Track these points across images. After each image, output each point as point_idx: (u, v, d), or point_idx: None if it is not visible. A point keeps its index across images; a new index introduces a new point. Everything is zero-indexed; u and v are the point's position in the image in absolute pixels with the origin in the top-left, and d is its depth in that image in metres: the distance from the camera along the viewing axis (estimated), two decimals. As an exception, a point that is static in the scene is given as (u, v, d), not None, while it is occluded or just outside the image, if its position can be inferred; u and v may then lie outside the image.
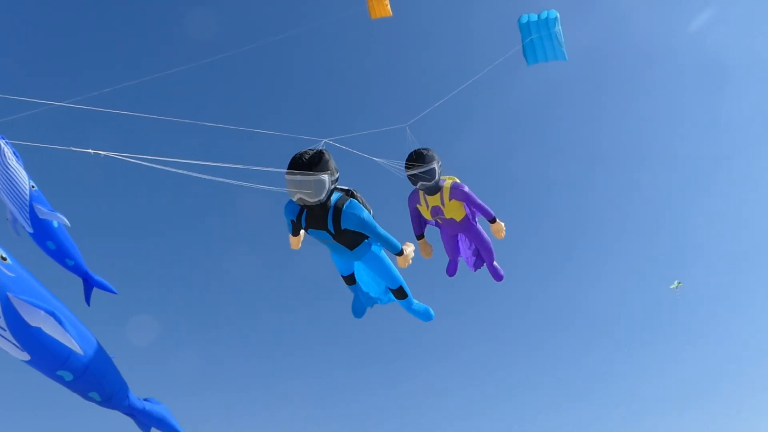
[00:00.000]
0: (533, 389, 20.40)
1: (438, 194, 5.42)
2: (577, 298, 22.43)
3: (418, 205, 5.66)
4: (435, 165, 5.10)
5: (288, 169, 3.58)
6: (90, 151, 2.88)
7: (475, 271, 6.45)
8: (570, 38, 7.24)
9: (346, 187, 4.12)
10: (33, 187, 4.43)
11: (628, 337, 22.21)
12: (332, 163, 3.71)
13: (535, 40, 7.35)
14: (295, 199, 3.68)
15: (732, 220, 22.52)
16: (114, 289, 5.16)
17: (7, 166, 4.20)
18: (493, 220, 5.57)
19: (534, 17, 7.19)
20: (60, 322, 2.94)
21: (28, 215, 4.40)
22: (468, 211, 5.64)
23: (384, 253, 4.43)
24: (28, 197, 4.38)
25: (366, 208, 4.17)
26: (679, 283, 15.44)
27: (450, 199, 5.42)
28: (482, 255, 6.11)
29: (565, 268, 22.89)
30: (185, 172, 3.14)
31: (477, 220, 5.87)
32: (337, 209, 3.84)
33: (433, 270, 6.41)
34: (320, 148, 3.78)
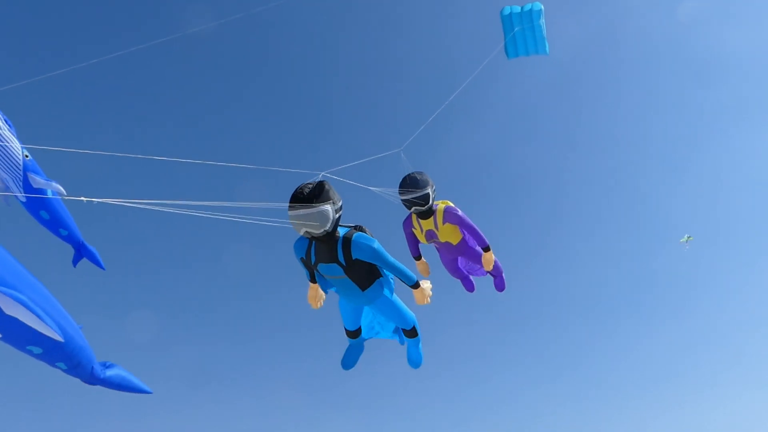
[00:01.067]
0: (513, 379, 20.59)
1: (431, 218, 5.39)
2: (554, 284, 22.71)
3: (413, 229, 5.64)
4: (429, 190, 5.08)
5: (290, 204, 3.58)
6: (83, 199, 2.81)
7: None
8: (554, 29, 7.40)
9: (354, 224, 4.09)
10: (27, 156, 4.39)
11: (605, 321, 22.56)
12: (333, 193, 3.67)
13: (517, 33, 7.45)
14: (301, 233, 3.67)
15: (709, 204, 22.99)
16: (103, 265, 5.13)
17: None
18: (486, 249, 5.47)
19: (517, 9, 7.25)
20: (36, 315, 2.97)
21: (21, 185, 4.36)
22: (465, 233, 5.58)
23: (396, 296, 4.37)
24: (21, 166, 4.35)
25: None
26: (689, 237, 14.58)
27: (444, 223, 5.38)
28: (491, 272, 6.06)
29: (540, 255, 23.15)
30: (185, 212, 3.13)
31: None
32: (347, 239, 3.82)
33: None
34: (319, 179, 3.77)
